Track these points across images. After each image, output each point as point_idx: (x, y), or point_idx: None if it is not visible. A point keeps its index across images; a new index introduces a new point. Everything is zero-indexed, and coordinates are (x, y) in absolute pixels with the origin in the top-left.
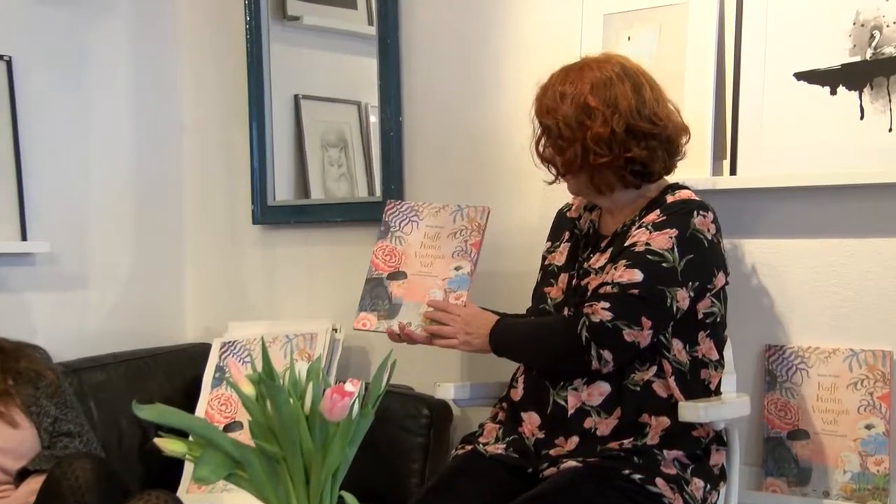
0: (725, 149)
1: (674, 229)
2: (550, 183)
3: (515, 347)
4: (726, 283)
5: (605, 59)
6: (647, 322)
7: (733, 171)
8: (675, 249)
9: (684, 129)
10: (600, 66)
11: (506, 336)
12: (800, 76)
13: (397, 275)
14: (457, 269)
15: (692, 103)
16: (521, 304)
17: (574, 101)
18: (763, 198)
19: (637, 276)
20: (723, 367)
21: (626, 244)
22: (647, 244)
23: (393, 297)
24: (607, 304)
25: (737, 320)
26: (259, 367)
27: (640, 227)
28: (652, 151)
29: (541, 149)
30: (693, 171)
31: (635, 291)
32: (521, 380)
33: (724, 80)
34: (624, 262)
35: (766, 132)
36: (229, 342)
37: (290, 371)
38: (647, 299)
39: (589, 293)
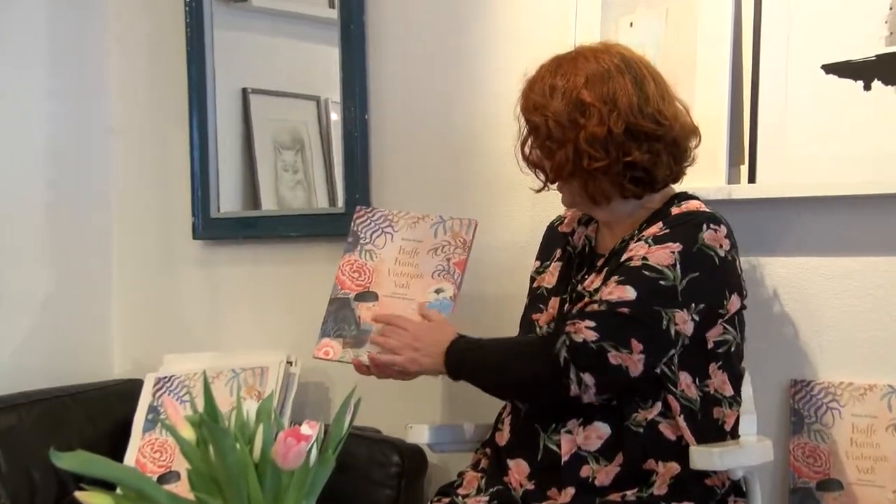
0: (743, 152)
1: (677, 244)
2: (538, 191)
3: (476, 369)
4: (742, 307)
5: (602, 48)
6: (636, 345)
7: (752, 179)
8: (677, 266)
9: (693, 131)
10: (597, 56)
11: (464, 354)
12: (829, 69)
13: (367, 295)
14: (437, 291)
15: (704, 100)
16: (506, 333)
17: (566, 95)
18: (787, 209)
19: (629, 293)
20: (739, 404)
21: (622, 259)
22: (645, 258)
23: (361, 322)
24: (592, 323)
25: (756, 351)
26: (200, 407)
27: (639, 240)
28: (655, 155)
29: (527, 151)
30: (705, 178)
31: (625, 310)
32: (507, 421)
33: (742, 74)
34: (616, 277)
35: (790, 133)
36: (165, 378)
37: (237, 411)
38: (639, 319)
39: (574, 311)
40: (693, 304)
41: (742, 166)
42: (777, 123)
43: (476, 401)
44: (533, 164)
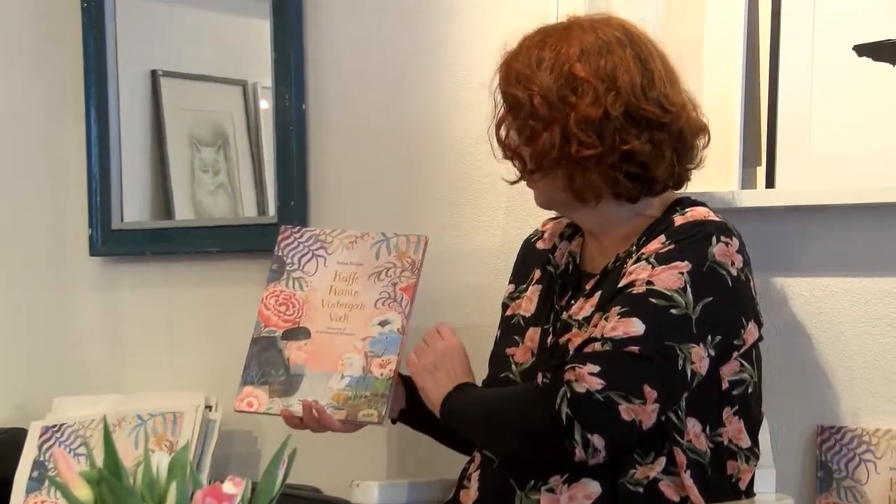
0: (760, 152)
1: (685, 262)
2: (513, 183)
3: (466, 418)
4: (760, 338)
5: (601, 19)
6: (651, 393)
7: (770, 183)
8: (688, 289)
9: (702, 128)
10: (595, 26)
11: (463, 398)
12: (862, 50)
13: (297, 332)
14: (382, 323)
15: (713, 89)
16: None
17: (556, 69)
18: (811, 219)
19: (637, 327)
20: (757, 458)
21: (621, 285)
22: (650, 283)
23: (291, 365)
24: (596, 368)
25: (775, 392)
26: (99, 461)
27: (638, 260)
28: (657, 147)
29: (503, 133)
30: (714, 181)
31: (635, 349)
32: (474, 477)
33: (758, 57)
34: (618, 308)
35: (815, 128)
36: (54, 426)
37: (145, 466)
38: (652, 360)
39: (571, 352)
40: (709, 337)
41: (758, 168)
42: (800, 116)
43: (435, 454)
44: (509, 150)
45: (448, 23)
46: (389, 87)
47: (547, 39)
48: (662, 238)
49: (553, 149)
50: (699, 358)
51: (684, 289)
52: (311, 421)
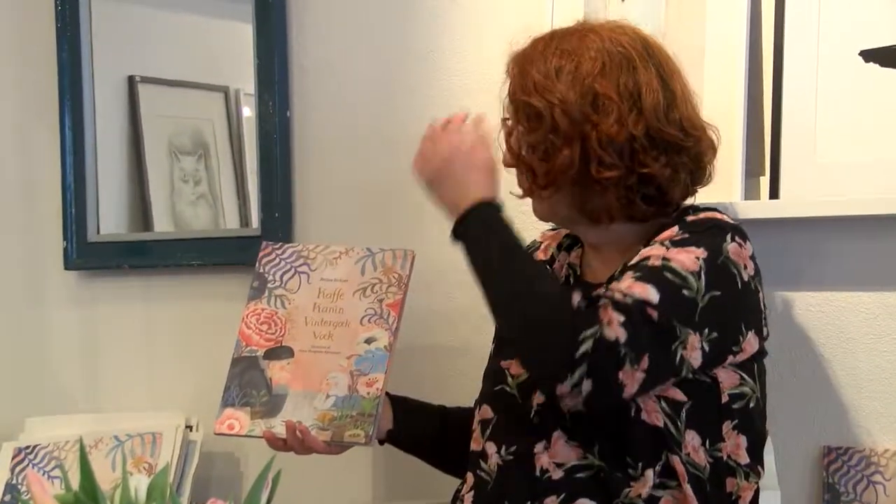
0: (763, 161)
1: (702, 249)
2: (522, 197)
3: (487, 262)
4: (762, 350)
5: (617, 27)
6: (644, 362)
7: (774, 194)
8: (702, 276)
9: (714, 148)
10: (613, 36)
11: (491, 222)
12: (868, 55)
13: (279, 352)
14: (368, 341)
15: (715, 96)
16: (464, 393)
17: (577, 82)
18: (818, 231)
19: (652, 294)
20: (758, 476)
21: (634, 261)
22: (666, 260)
23: (273, 385)
24: (622, 318)
25: (780, 410)
26: (75, 484)
27: (651, 245)
28: (674, 170)
29: (513, 144)
30: (716, 193)
31: (652, 314)
32: (468, 498)
33: (761, 62)
34: (633, 273)
35: (820, 136)
36: (27, 447)
37: (123, 489)
38: (661, 331)
39: (604, 290)
40: (706, 330)
41: (762, 178)
42: (805, 124)
43: (425, 475)
44: (523, 164)
45: (438, 28)
46: (378, 94)
47: (562, 46)
48: (676, 228)
49: (572, 167)
50: (692, 347)
51: (698, 274)
52: (295, 442)
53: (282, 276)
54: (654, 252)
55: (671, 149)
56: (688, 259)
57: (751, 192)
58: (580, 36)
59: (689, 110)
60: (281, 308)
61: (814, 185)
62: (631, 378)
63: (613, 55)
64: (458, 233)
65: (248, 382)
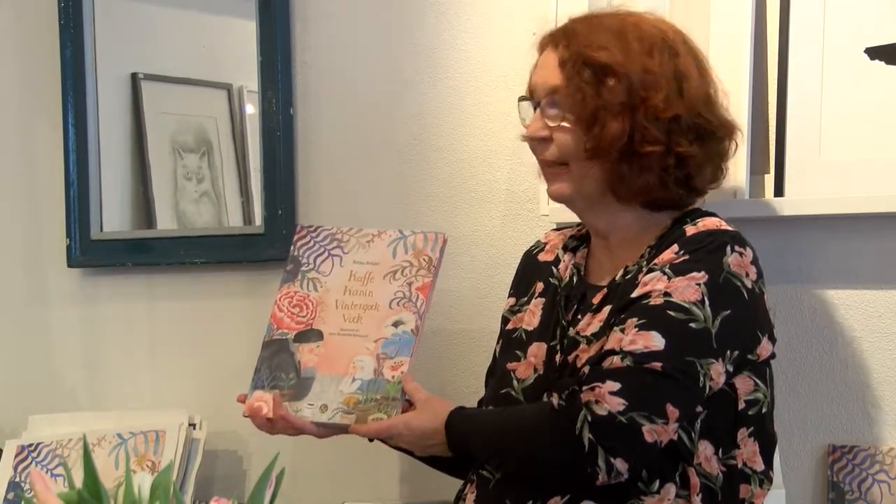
0: (768, 159)
1: (702, 272)
2: (552, 168)
3: (478, 445)
4: (773, 354)
5: (655, 17)
6: (673, 412)
7: (779, 192)
8: (706, 302)
9: (734, 142)
10: (656, 23)
11: (463, 424)
12: (874, 53)
13: (309, 335)
14: (396, 324)
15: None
16: (472, 384)
17: (632, 56)
18: (823, 229)
19: (657, 342)
20: (771, 482)
21: (635, 295)
22: (667, 295)
23: (302, 368)
24: (617, 386)
25: (785, 410)
26: (78, 482)
27: (651, 270)
28: (707, 155)
29: (563, 110)
30: (719, 191)
31: (657, 366)
32: (470, 498)
33: (765, 57)
34: (636, 320)
35: (825, 134)
36: (30, 445)
37: (126, 487)
38: (674, 377)
39: (587, 369)
40: (728, 352)
41: (766, 176)
42: (810, 122)
43: (430, 473)
44: (571, 131)
45: (441, 25)
46: (381, 91)
47: (605, 22)
48: (675, 248)
49: (622, 138)
50: (717, 374)
51: (702, 301)
52: (281, 422)
53: (315, 259)
54: (654, 286)
55: (706, 136)
56: (688, 289)
57: (756, 190)
58: (620, 19)
59: (719, 107)
60: (313, 291)
61: (819, 183)
62: (664, 432)
63: (658, 39)
64: (455, 449)
65: (277, 365)
